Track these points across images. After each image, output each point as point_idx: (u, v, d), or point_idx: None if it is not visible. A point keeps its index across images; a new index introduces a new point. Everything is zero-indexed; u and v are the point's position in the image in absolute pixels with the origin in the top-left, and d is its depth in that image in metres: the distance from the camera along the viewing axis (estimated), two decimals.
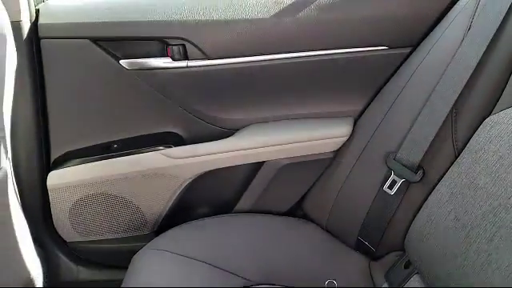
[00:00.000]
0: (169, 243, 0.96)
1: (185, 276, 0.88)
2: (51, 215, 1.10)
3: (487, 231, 0.71)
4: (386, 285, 0.92)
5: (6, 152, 0.86)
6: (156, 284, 0.85)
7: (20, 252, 0.92)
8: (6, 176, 0.85)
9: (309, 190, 1.12)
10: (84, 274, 1.16)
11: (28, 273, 0.94)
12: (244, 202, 1.11)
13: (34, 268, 0.97)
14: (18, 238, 0.91)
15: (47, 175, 1.04)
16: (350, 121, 1.06)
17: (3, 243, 0.86)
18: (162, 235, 1.00)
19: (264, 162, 1.06)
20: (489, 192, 0.73)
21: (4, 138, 0.85)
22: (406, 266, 0.90)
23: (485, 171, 0.75)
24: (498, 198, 0.71)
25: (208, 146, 1.04)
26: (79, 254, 1.15)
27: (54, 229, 1.12)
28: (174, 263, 0.91)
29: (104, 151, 1.06)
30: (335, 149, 1.06)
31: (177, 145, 1.05)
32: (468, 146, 0.82)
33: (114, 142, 1.06)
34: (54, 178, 1.04)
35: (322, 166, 1.08)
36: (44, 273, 1.02)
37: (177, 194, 1.08)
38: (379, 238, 0.96)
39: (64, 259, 1.14)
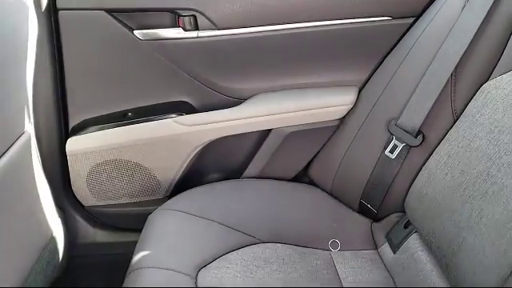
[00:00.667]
0: (182, 204, 1.02)
1: (198, 234, 0.94)
2: (70, 180, 1.16)
3: (481, 188, 0.75)
4: (386, 244, 0.98)
5: (29, 117, 0.92)
6: (170, 242, 0.91)
7: (43, 212, 0.98)
8: (29, 139, 0.91)
9: (314, 156, 1.17)
10: (101, 236, 1.22)
11: (50, 232, 1.01)
12: (252, 168, 1.17)
13: (55, 228, 1.04)
14: (40, 198, 0.97)
15: (66, 142, 1.10)
16: (355, 90, 1.10)
17: (27, 203, 0.92)
18: (176, 197, 1.05)
19: (271, 129, 1.11)
20: (483, 153, 0.78)
21: (27, 103, 0.90)
22: (406, 226, 0.96)
23: (480, 134, 0.80)
24: (492, 158, 0.75)
25: (218, 113, 1.09)
26: (96, 217, 1.21)
27: (73, 193, 1.18)
28: (187, 222, 0.97)
29: (119, 119, 1.11)
30: (340, 117, 1.11)
31: (188, 113, 1.10)
32: (466, 110, 0.86)
33: (129, 110, 1.11)
34: (73, 145, 1.10)
35: (327, 133, 1.13)
36: (64, 234, 1.08)
37: (188, 159, 1.13)
38: (380, 201, 1.01)
39: (82, 222, 1.21)
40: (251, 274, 0.86)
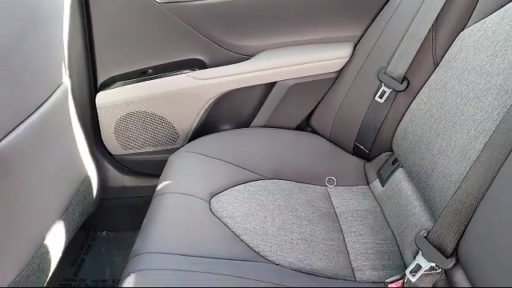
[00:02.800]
0: (198, 147, 1.16)
1: (211, 171, 1.09)
2: (100, 131, 1.31)
3: (450, 120, 0.87)
4: (376, 180, 1.11)
5: (66, 70, 1.07)
6: (188, 175, 1.06)
7: (78, 155, 1.14)
8: (66, 90, 1.06)
9: (315, 108, 1.30)
10: (128, 181, 1.38)
11: (85, 172, 1.17)
12: (259, 119, 1.30)
13: (89, 170, 1.20)
14: (76, 143, 1.13)
15: (95, 96, 1.25)
16: (351, 45, 1.22)
17: (65, 146, 1.08)
18: (193, 142, 1.20)
19: (276, 82, 1.24)
20: (454, 91, 0.89)
21: (64, 59, 1.05)
22: (393, 163, 1.09)
23: (454, 75, 0.92)
24: (461, 95, 0.87)
25: (228, 68, 1.22)
26: (123, 164, 1.37)
27: (103, 143, 1.34)
28: (202, 162, 1.12)
29: (141, 75, 1.25)
30: (337, 69, 1.23)
31: (201, 69, 1.24)
32: (444, 57, 0.98)
33: (149, 67, 1.26)
34: (101, 98, 1.25)
35: (326, 85, 1.26)
36: (96, 177, 1.24)
37: (202, 111, 1.27)
38: (372, 142, 1.14)
39: (111, 169, 1.37)
40: (256, 200, 1.00)
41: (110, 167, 1.37)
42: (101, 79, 1.26)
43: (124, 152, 1.35)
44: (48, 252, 0.94)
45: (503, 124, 0.69)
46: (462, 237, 0.69)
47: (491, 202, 0.66)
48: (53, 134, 1.00)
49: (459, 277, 0.69)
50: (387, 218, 1.01)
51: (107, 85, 1.26)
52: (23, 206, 0.85)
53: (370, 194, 1.10)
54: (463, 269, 0.68)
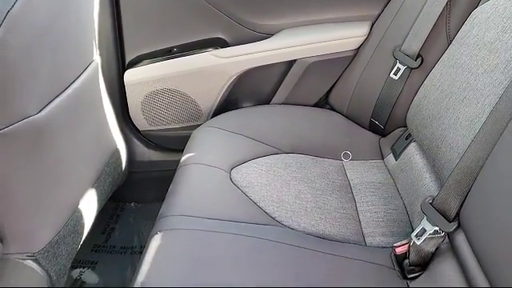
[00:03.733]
0: (220, 123, 1.22)
1: (232, 144, 1.15)
2: (128, 108, 1.39)
3: (460, 95, 0.91)
4: (391, 155, 1.15)
5: (97, 48, 1.14)
6: (210, 148, 1.13)
7: (109, 129, 1.22)
8: (97, 67, 1.14)
9: (333, 86, 1.34)
10: (154, 155, 1.46)
11: (115, 145, 1.25)
12: (279, 96, 1.36)
13: (118, 144, 1.27)
14: (106, 118, 1.20)
15: (124, 74, 1.32)
16: (368, 23, 1.25)
17: (96, 120, 1.15)
18: (215, 118, 1.27)
19: (295, 60, 1.29)
20: (465, 67, 0.93)
21: (95, 37, 1.12)
22: (407, 138, 1.13)
23: (465, 52, 0.95)
24: (471, 70, 0.90)
25: (249, 46, 1.27)
26: (150, 139, 1.45)
27: (131, 119, 1.42)
28: (223, 136, 1.18)
29: (167, 54, 1.32)
30: (355, 47, 1.27)
31: (223, 47, 1.29)
32: (457, 34, 1.00)
33: (174, 46, 1.32)
34: (129, 76, 1.32)
35: (344, 63, 1.30)
36: (125, 151, 1.32)
37: (225, 88, 1.33)
38: (387, 118, 1.18)
39: (138, 144, 1.45)
40: (273, 172, 1.06)
41: (137, 142, 1.45)
42: (129, 57, 1.33)
43: (151, 128, 1.42)
44: (82, 216, 1.02)
45: (505, 96, 0.73)
46: (463, 202, 0.74)
47: (491, 170, 0.70)
48: (84, 108, 1.08)
49: (460, 240, 0.73)
50: (399, 190, 1.05)
51: (135, 63, 1.33)
52: (59, 173, 0.93)
53: (384, 167, 1.14)
54: (464, 232, 0.73)
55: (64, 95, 0.94)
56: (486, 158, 0.71)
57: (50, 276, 0.90)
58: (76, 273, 1.23)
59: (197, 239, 0.82)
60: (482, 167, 0.71)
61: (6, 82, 0.76)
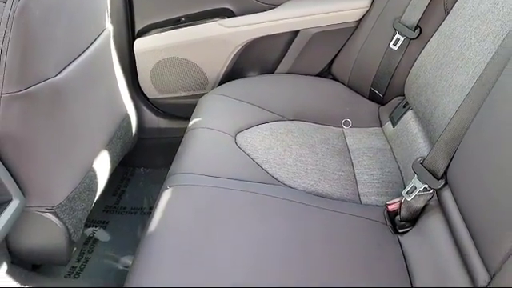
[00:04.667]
0: (227, 91, 1.28)
1: (237, 110, 1.20)
2: (137, 76, 1.44)
3: (453, 64, 0.96)
4: (389, 122, 1.20)
5: (108, 17, 1.19)
6: (217, 113, 1.18)
7: (120, 95, 1.28)
8: (109, 35, 1.19)
9: (336, 56, 1.39)
10: (163, 122, 1.52)
11: (125, 110, 1.31)
12: (283, 66, 1.41)
13: (129, 109, 1.33)
14: (118, 83, 1.26)
15: (133, 43, 1.37)
16: None
17: (108, 85, 1.21)
18: (221, 86, 1.32)
19: (299, 30, 1.33)
20: (460, 38, 0.97)
21: (107, 5, 1.17)
22: (404, 106, 1.18)
23: (461, 23, 0.99)
24: (464, 40, 0.95)
25: (255, 16, 1.32)
26: (158, 107, 1.51)
27: (140, 87, 1.47)
28: (229, 103, 1.23)
29: (175, 23, 1.37)
30: (357, 19, 1.31)
31: (230, 17, 1.34)
32: (454, 6, 1.05)
33: (182, 16, 1.37)
34: (139, 45, 1.38)
35: (346, 34, 1.34)
36: (135, 117, 1.38)
37: (231, 58, 1.38)
38: (386, 87, 1.23)
39: (147, 111, 1.51)
40: (276, 137, 1.12)
41: (146, 110, 1.51)
42: (138, 27, 1.38)
43: (159, 96, 1.48)
44: (96, 175, 1.09)
45: (491, 63, 0.78)
46: (450, 162, 0.79)
47: (475, 131, 0.75)
48: (97, 74, 1.14)
49: (446, 196, 0.79)
50: (395, 154, 1.11)
51: (144, 32, 1.38)
52: (75, 133, 1.00)
53: (382, 134, 1.20)
54: (450, 189, 0.79)
55: (79, 60, 0.99)
56: (472, 121, 0.76)
57: (67, 228, 0.97)
58: (89, 231, 1.31)
59: (203, 194, 0.89)
60: (467, 129, 0.77)
61: (27, 46, 0.82)
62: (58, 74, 0.91)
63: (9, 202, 0.87)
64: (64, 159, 0.96)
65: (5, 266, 0.99)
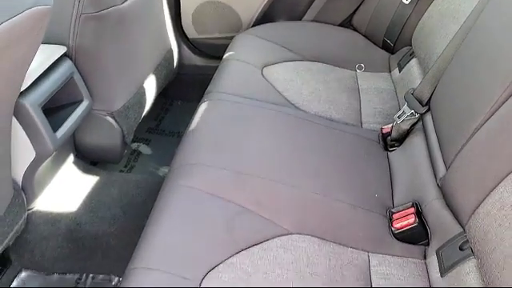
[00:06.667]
0: (257, 32, 1.48)
1: (267, 48, 1.40)
2: (181, 18, 1.65)
3: (452, 16, 1.13)
4: (396, 69, 1.38)
5: None
6: (248, 50, 1.38)
7: (165, 30, 1.48)
8: None
9: (356, 9, 1.56)
10: (199, 60, 1.73)
11: (169, 44, 1.52)
12: (309, 14, 1.59)
13: (172, 44, 1.54)
14: (164, 22, 1.47)
15: None
16: None
17: (157, 21, 1.41)
18: (253, 28, 1.52)
19: None
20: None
21: None
22: (411, 54, 1.35)
23: None
24: (466, 20, 1.11)
25: None
26: (197, 46, 1.71)
27: (182, 28, 1.68)
28: (260, 42, 1.43)
29: None
30: None
31: None
32: None
33: None
34: None
35: None
36: (176, 53, 1.59)
37: (263, 3, 1.57)
38: (397, 37, 1.40)
39: (186, 50, 1.71)
40: (297, 72, 1.31)
41: (186, 48, 1.71)
42: None
43: (198, 36, 1.69)
44: (145, 93, 1.32)
45: (476, 9, 0.95)
46: (433, 92, 0.98)
47: (455, 64, 0.94)
48: (151, 9, 1.34)
49: (428, 119, 0.99)
50: (397, 94, 1.30)
51: None
52: (133, 53, 1.22)
53: (390, 78, 1.38)
54: (431, 113, 0.98)
55: None
56: (453, 55, 0.95)
57: (122, 131, 1.21)
58: (134, 145, 1.55)
59: (232, 108, 1.11)
60: (449, 62, 0.95)
61: None
62: (124, 2, 1.12)
63: (80, 102, 1.10)
64: (123, 73, 1.19)
65: (71, 157, 1.24)
